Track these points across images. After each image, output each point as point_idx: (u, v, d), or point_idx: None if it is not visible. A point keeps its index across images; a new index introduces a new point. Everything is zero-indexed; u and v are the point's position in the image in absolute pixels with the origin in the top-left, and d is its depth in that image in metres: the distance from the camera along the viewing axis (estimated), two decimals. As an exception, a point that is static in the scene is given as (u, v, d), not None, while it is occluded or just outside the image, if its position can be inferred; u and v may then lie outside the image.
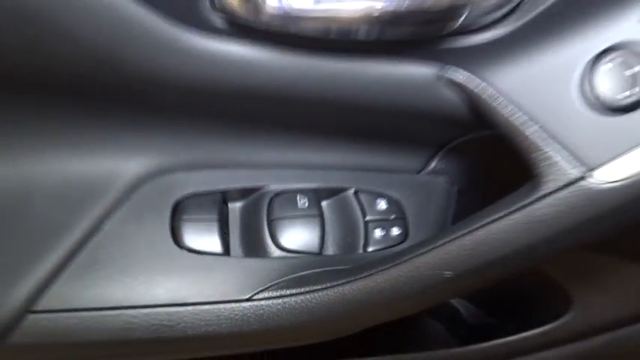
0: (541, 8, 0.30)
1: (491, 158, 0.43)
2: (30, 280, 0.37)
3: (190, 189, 0.41)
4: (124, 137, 0.39)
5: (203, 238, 0.41)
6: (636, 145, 0.28)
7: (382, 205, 0.45)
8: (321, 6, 0.28)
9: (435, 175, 0.47)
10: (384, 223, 0.44)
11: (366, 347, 0.64)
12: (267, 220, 0.42)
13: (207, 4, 0.29)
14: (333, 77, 0.35)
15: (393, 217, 0.44)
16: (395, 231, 0.44)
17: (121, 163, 0.40)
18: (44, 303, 0.38)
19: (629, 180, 0.29)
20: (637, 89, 0.28)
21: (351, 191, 0.45)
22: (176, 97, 0.36)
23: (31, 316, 0.37)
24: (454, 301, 0.73)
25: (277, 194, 0.43)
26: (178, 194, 0.41)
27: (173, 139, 0.40)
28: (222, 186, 0.42)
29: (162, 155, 0.41)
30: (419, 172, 0.47)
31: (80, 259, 0.39)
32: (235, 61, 0.32)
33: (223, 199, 0.43)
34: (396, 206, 0.45)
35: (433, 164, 0.47)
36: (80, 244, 0.39)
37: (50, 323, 0.38)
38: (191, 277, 0.40)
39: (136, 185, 0.41)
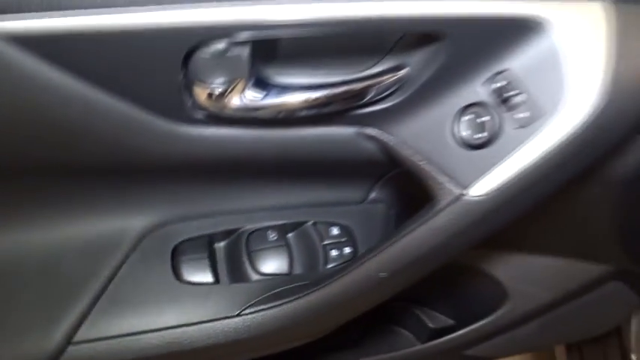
0: (418, 84, 0.43)
1: (413, 186, 0.56)
2: (67, 318, 0.49)
3: (184, 236, 0.54)
4: (130, 202, 0.51)
5: (198, 273, 0.53)
6: (490, 170, 0.42)
7: (335, 231, 0.57)
8: (269, 100, 0.42)
9: (376, 203, 0.60)
10: (338, 245, 0.57)
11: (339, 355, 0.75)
12: (247, 253, 0.54)
13: (190, 104, 0.42)
14: (285, 142, 0.48)
15: (344, 239, 0.57)
16: (347, 250, 0.56)
17: (128, 222, 0.52)
18: (79, 335, 0.49)
19: (489, 194, 0.42)
20: (485, 133, 0.42)
21: (310, 223, 0.57)
22: (168, 171, 0.48)
23: (71, 347, 0.48)
24: (417, 310, 0.86)
25: (252, 232, 0.55)
26: (175, 241, 0.53)
27: (168, 199, 0.52)
28: (209, 231, 0.55)
29: (160, 212, 0.53)
30: (362, 202, 0.60)
31: (104, 300, 0.50)
32: (212, 140, 0.45)
33: (211, 241, 0.55)
34: (347, 231, 0.58)
35: (373, 195, 0.60)
36: (103, 288, 0.50)
37: (86, 352, 0.49)
38: (191, 303, 0.51)
39: (141, 238, 0.53)
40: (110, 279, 0.50)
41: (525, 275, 0.75)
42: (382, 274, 0.47)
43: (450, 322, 0.83)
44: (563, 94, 0.39)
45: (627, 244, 0.67)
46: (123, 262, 0.51)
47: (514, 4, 0.38)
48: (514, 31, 0.39)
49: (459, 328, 0.80)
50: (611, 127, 0.40)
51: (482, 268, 0.76)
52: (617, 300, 0.85)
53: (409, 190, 0.57)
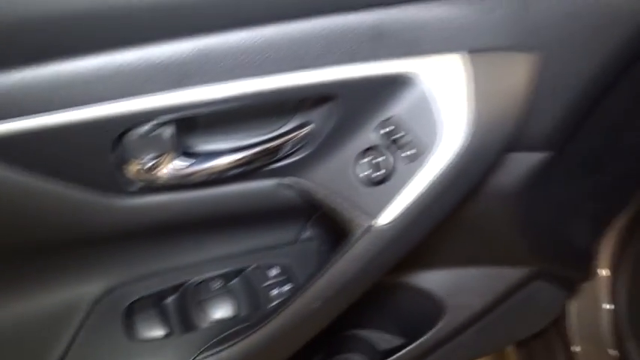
0: (322, 136, 0.51)
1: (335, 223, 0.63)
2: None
3: (135, 296, 0.58)
4: (81, 272, 0.56)
5: (151, 329, 0.57)
6: (391, 201, 0.49)
7: (274, 272, 0.63)
8: (196, 167, 0.48)
9: (308, 241, 0.67)
10: (278, 284, 0.62)
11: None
12: (195, 304, 0.59)
13: (125, 179, 0.48)
14: (217, 199, 0.54)
15: (283, 278, 0.63)
16: (286, 287, 0.62)
17: (82, 291, 0.57)
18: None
19: (394, 221, 0.49)
20: (382, 171, 0.49)
21: (251, 268, 0.63)
22: (114, 239, 0.53)
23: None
24: (366, 335, 0.92)
25: (198, 284, 0.61)
26: (127, 302, 0.58)
27: (117, 264, 0.57)
28: (159, 288, 0.60)
29: (111, 277, 0.58)
30: (296, 242, 0.66)
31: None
32: (150, 207, 0.51)
33: (161, 297, 0.60)
34: (285, 270, 0.64)
35: (305, 234, 0.67)
36: (62, 357, 0.54)
37: None
38: (147, 359, 0.56)
39: (95, 303, 0.57)
40: (68, 347, 0.54)
41: (457, 287, 0.83)
42: (316, 305, 0.54)
43: (399, 341, 0.89)
44: (437, 132, 0.47)
45: (535, 249, 0.76)
46: (79, 329, 0.55)
47: (388, 64, 0.47)
48: (392, 85, 0.48)
49: (407, 346, 0.86)
50: (480, 154, 0.48)
51: (420, 286, 0.83)
52: (545, 298, 0.94)
53: (333, 226, 0.64)
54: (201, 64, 0.42)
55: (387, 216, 0.50)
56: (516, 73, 0.49)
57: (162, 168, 0.47)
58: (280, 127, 0.51)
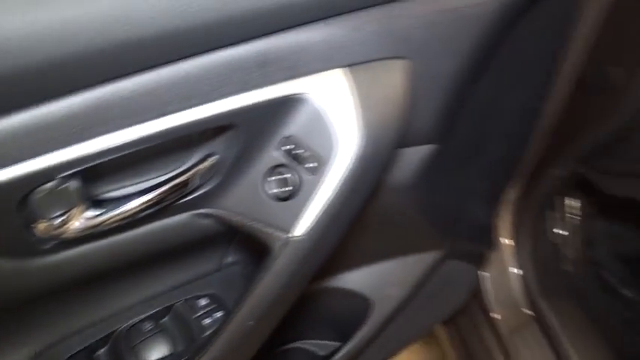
0: (228, 163, 0.53)
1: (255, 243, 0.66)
2: None
3: (68, 354, 0.57)
4: (9, 337, 0.54)
5: (88, 384, 0.57)
6: (303, 213, 0.52)
7: (203, 302, 0.64)
8: (108, 215, 0.49)
9: (232, 266, 0.69)
10: (209, 313, 0.64)
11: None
12: (129, 349, 0.59)
13: (35, 238, 0.47)
14: (134, 242, 0.55)
15: (213, 306, 0.64)
16: (218, 314, 0.64)
17: (12, 357, 0.54)
18: None
19: (309, 231, 0.53)
20: (290, 186, 0.53)
21: (180, 302, 0.64)
22: (35, 300, 0.52)
23: None
24: (306, 345, 0.95)
25: (129, 328, 0.60)
26: (59, 361, 0.57)
27: (44, 325, 0.56)
28: (90, 341, 0.59)
29: (41, 339, 0.56)
30: (220, 269, 0.68)
31: None
32: (67, 262, 0.50)
33: (94, 349, 0.59)
34: (214, 298, 0.65)
35: (228, 260, 0.69)
36: None
37: None
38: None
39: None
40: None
41: (378, 281, 0.88)
42: (250, 324, 0.56)
43: (336, 344, 0.93)
44: (333, 143, 0.51)
45: (441, 232, 0.83)
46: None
47: (277, 88, 0.50)
48: (285, 106, 0.51)
49: (344, 347, 0.90)
50: (374, 155, 0.53)
51: (345, 287, 0.87)
52: (460, 274, 1.02)
53: (254, 247, 0.67)
54: (98, 114, 0.43)
55: (302, 227, 0.53)
56: (393, 78, 0.54)
57: (74, 222, 0.47)
58: (185, 162, 0.53)
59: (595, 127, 0.80)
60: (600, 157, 0.84)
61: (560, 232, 1.13)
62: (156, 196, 0.51)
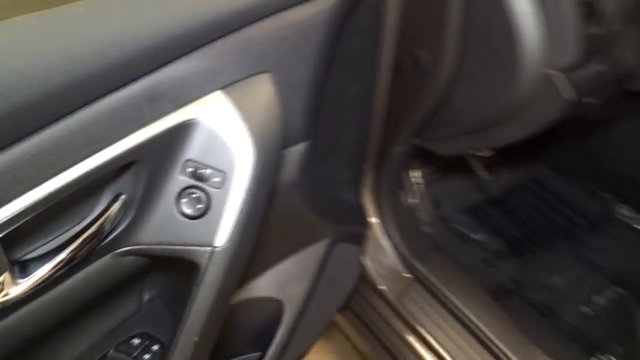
0: (138, 198, 0.56)
1: (176, 270, 0.69)
2: None
3: None
4: None
5: None
6: (219, 225, 0.58)
7: (136, 341, 0.66)
8: (36, 276, 0.49)
9: (152, 301, 0.70)
10: (146, 349, 0.65)
11: None
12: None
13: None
14: (61, 295, 0.54)
15: (147, 342, 0.66)
16: (155, 348, 0.66)
17: None
18: None
19: (229, 240, 0.58)
20: (202, 204, 0.58)
21: (112, 350, 0.64)
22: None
23: None
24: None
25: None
26: None
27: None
28: None
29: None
30: (142, 306, 0.69)
31: None
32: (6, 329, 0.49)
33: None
34: (145, 335, 0.67)
35: (145, 297, 0.70)
36: None
37: None
38: None
39: None
40: None
41: (282, 281, 0.95)
42: (195, 339, 0.59)
43: (257, 354, 0.97)
44: (231, 157, 0.57)
45: (325, 219, 0.93)
46: None
47: (168, 119, 0.55)
48: (181, 133, 0.56)
49: (267, 352, 0.95)
50: (267, 158, 0.60)
51: (260, 295, 0.92)
52: (348, 257, 1.12)
53: (178, 271, 0.69)
54: (9, 177, 0.44)
55: (222, 237, 0.58)
56: (264, 90, 0.62)
57: (7, 290, 0.47)
58: (96, 206, 0.55)
59: (417, 105, 0.96)
60: (430, 128, 1.00)
61: (414, 200, 1.30)
62: (75, 248, 0.52)
